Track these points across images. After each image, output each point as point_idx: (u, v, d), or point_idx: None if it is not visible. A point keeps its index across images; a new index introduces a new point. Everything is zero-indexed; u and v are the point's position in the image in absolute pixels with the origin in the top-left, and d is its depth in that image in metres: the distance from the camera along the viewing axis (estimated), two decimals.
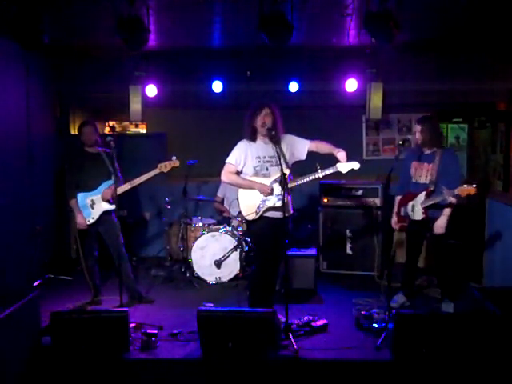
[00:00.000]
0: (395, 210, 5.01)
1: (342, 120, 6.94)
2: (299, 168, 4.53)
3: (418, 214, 4.73)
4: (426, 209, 4.67)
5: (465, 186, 4.29)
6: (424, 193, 4.68)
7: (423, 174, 4.77)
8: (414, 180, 4.86)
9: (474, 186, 4.28)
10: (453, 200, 4.50)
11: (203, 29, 5.34)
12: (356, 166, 4.28)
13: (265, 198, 4.36)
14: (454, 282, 4.81)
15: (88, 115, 7.26)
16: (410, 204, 4.81)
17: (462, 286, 4.76)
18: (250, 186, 4.39)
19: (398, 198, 5.03)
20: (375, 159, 7.12)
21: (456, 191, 4.34)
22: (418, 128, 4.80)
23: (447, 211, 4.65)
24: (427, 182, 4.71)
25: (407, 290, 5.06)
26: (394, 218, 5.02)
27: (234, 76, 6.28)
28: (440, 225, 4.67)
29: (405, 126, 7.19)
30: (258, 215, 4.36)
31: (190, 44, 5.87)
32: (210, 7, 4.60)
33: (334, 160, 4.33)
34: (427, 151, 4.79)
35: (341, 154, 4.30)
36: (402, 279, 5.13)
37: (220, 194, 6.55)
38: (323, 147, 4.45)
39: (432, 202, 4.60)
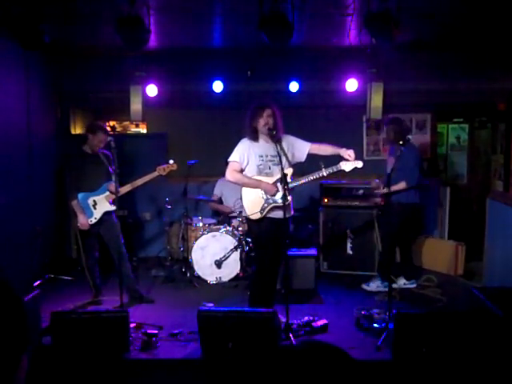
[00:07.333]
0: None
1: (342, 120, 6.93)
2: (302, 168, 4.52)
3: None
4: None
5: None
6: None
7: None
8: None
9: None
10: None
11: (203, 29, 5.34)
12: (359, 164, 4.28)
13: (269, 197, 4.35)
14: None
15: (88, 115, 7.26)
16: None
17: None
18: (255, 185, 4.36)
19: None
20: (375, 159, 7.10)
21: None
22: None
23: None
24: None
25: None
26: None
27: (234, 76, 6.28)
28: None
29: None
30: (263, 215, 4.35)
31: (190, 44, 5.87)
32: (209, 7, 4.61)
33: (337, 159, 4.32)
34: None
35: (349, 152, 4.27)
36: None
37: (217, 193, 6.54)
38: (325, 149, 4.43)
39: None
